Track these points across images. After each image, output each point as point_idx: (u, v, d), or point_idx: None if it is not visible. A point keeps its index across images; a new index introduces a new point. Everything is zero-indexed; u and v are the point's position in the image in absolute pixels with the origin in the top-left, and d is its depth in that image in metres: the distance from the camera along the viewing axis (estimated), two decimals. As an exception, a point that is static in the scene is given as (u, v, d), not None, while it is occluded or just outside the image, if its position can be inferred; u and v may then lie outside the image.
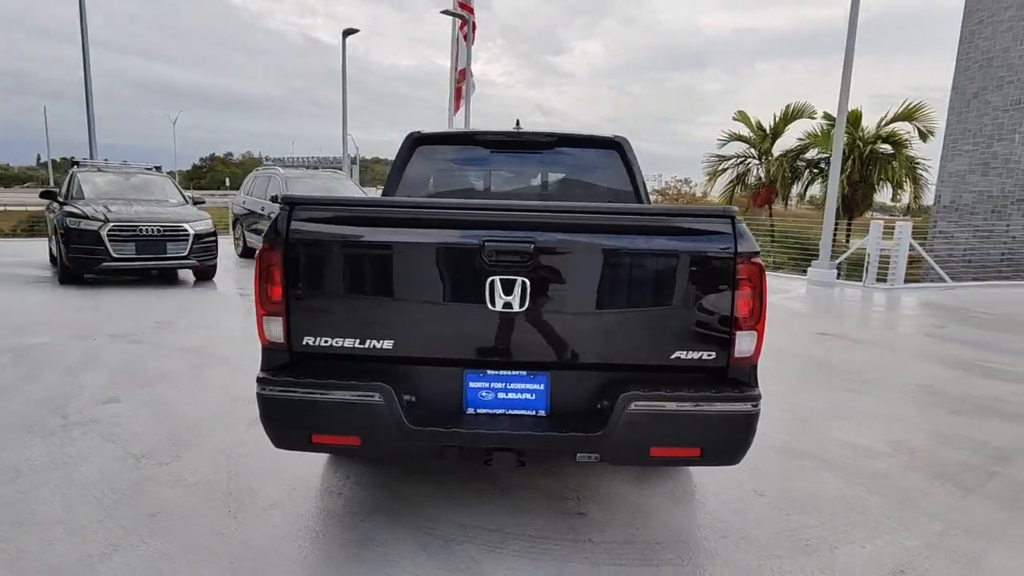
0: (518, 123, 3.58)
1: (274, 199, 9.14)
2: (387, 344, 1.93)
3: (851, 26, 10.29)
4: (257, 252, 1.99)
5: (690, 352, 1.91)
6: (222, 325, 5.80)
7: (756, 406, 1.88)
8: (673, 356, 1.91)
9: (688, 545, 2.22)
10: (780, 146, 15.16)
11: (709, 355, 1.90)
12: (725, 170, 15.82)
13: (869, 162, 13.88)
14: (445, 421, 1.91)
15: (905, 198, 14.40)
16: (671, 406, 1.85)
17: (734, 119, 16.24)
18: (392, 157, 3.57)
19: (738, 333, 1.88)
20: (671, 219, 1.97)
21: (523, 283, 1.87)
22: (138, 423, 3.27)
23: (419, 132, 3.42)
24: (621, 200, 3.41)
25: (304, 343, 1.95)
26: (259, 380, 1.95)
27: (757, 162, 15.78)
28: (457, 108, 13.36)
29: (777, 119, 15.36)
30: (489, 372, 1.97)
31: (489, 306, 1.88)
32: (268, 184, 9.83)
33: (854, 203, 14.45)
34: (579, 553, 2.14)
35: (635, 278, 1.92)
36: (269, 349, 1.98)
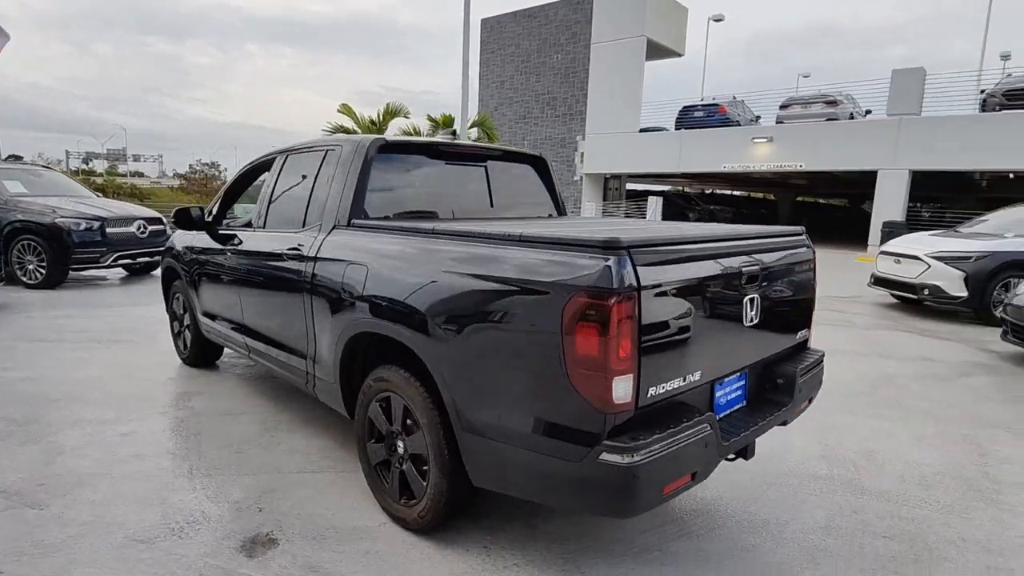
0: (455, 134, 3.43)
1: None
2: (697, 375, 2.01)
3: (465, 37, 12.19)
4: (592, 305, 1.71)
5: (801, 333, 2.70)
6: None
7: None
8: (798, 336, 2.67)
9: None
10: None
11: (804, 334, 2.74)
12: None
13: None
14: (729, 431, 2.14)
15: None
16: (816, 371, 2.62)
17: (338, 111, 16.64)
18: None
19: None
20: (790, 237, 2.67)
21: (756, 299, 2.27)
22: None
23: (383, 139, 2.95)
24: (544, 207, 3.79)
25: (649, 395, 1.83)
26: (615, 449, 1.72)
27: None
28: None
29: (380, 115, 16.59)
30: (725, 379, 2.28)
31: (743, 323, 2.21)
32: None
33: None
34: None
35: (786, 282, 2.56)
36: (615, 412, 1.75)
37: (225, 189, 4.18)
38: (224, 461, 3.07)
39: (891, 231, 13.83)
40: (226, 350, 4.85)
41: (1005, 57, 33.62)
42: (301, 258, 2.95)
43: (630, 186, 24.47)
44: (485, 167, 3.50)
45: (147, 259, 9.03)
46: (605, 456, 1.75)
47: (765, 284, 2.34)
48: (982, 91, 16.76)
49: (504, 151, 3.62)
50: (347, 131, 16.59)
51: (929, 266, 7.79)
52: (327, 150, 3.16)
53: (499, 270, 1.97)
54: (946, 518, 2.72)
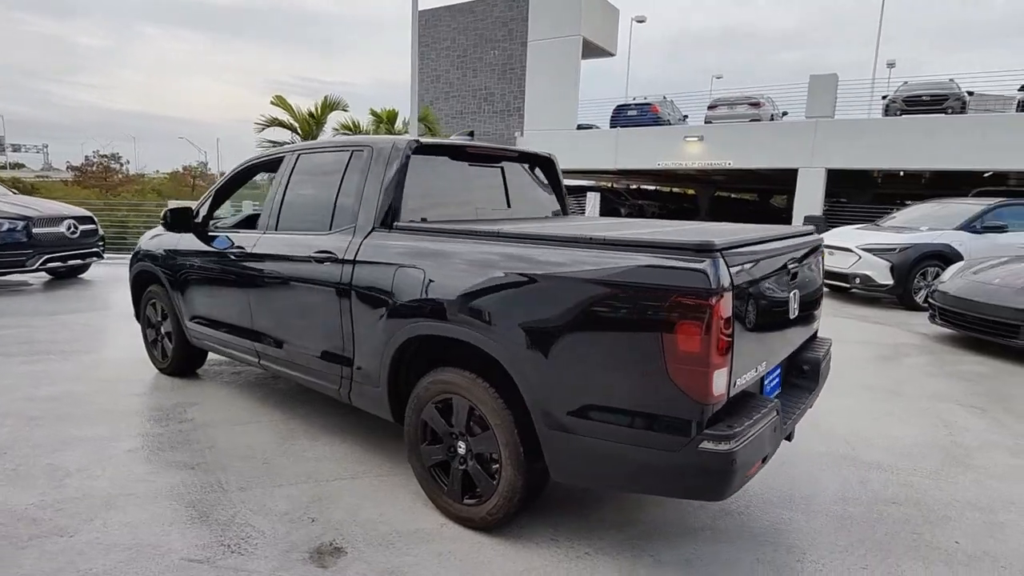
0: (472, 135, 3.45)
1: None
2: (763, 365, 2.19)
3: (413, 29, 12.01)
4: (694, 304, 1.83)
5: (817, 323, 2.96)
6: None
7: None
8: (815, 326, 2.93)
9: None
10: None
11: (817, 324, 3.01)
12: (279, 156, 15.33)
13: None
14: (783, 416, 2.34)
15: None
16: (830, 358, 2.90)
17: (272, 103, 15.87)
18: None
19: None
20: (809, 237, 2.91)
21: (797, 293, 2.48)
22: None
23: (418, 140, 2.94)
24: (551, 206, 3.89)
25: (736, 386, 1.98)
26: (714, 438, 1.86)
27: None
28: None
29: (319, 109, 15.96)
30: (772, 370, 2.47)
31: (790, 315, 2.42)
32: None
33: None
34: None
35: (812, 277, 2.79)
36: (712, 404, 1.89)
37: (216, 188, 3.97)
38: (253, 473, 2.96)
39: (813, 224, 14.98)
40: (211, 356, 4.62)
41: (891, 65, 36.92)
42: (334, 261, 2.89)
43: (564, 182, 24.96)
44: (502, 168, 3.55)
45: (79, 261, 8.33)
46: (705, 444, 1.88)
47: (801, 279, 2.55)
48: (884, 96, 18.42)
49: (519, 152, 3.67)
50: (283, 124, 15.94)
51: (860, 257, 8.56)
52: (352, 151, 3.09)
53: (587, 273, 2.05)
54: (936, 483, 3.07)
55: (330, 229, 3.04)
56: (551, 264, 2.16)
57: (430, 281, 2.47)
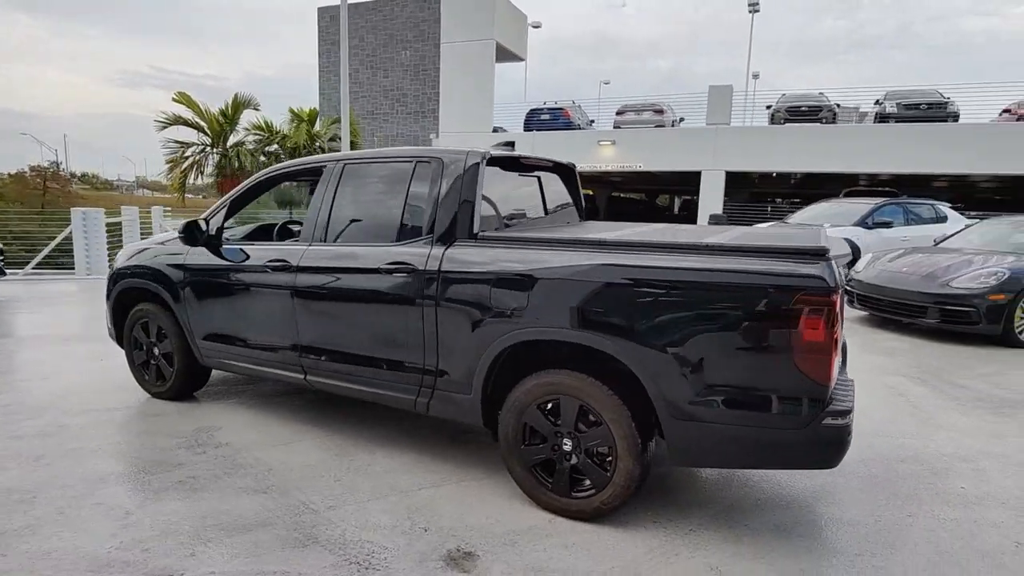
0: (512, 145, 3.58)
1: None
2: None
3: (343, 20, 11.66)
4: (820, 301, 2.14)
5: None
6: None
7: None
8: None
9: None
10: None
11: None
12: (187, 158, 14.08)
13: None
14: None
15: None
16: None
17: (174, 100, 14.56)
18: None
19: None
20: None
21: (843, 288, 2.90)
22: None
23: (490, 153, 3.05)
24: (573, 212, 4.11)
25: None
26: (835, 414, 2.19)
27: (217, 151, 14.77)
28: None
29: (229, 107, 14.85)
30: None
31: (842, 307, 2.82)
32: None
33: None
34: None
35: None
36: (831, 385, 2.21)
37: (232, 198, 3.76)
38: (331, 491, 2.90)
39: (717, 222, 16.38)
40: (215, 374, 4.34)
41: (756, 76, 40.89)
42: (412, 272, 2.90)
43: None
44: (539, 177, 3.70)
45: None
46: (828, 421, 2.19)
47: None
48: (768, 106, 20.51)
49: (553, 162, 3.83)
50: (187, 123, 14.75)
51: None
52: (416, 162, 3.11)
53: (713, 277, 2.29)
54: (923, 443, 3.66)
55: (397, 240, 3.05)
56: (669, 270, 2.37)
57: (537, 289, 2.59)
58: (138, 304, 4.09)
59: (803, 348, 2.17)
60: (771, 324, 2.22)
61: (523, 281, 2.64)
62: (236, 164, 14.94)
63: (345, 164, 3.36)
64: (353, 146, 16.44)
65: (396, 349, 3.02)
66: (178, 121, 14.85)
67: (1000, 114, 18.22)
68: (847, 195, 15.11)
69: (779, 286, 2.20)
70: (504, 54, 22.62)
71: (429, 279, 2.87)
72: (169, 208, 12.43)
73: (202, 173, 14.89)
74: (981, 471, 3.27)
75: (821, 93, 20.05)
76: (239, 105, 15.23)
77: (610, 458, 2.55)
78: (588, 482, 2.62)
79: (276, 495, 2.85)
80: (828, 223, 10.23)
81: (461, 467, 3.19)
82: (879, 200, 10.79)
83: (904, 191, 16.67)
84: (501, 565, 2.34)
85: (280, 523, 2.61)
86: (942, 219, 10.83)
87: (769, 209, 20.82)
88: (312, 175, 3.51)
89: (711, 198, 18.45)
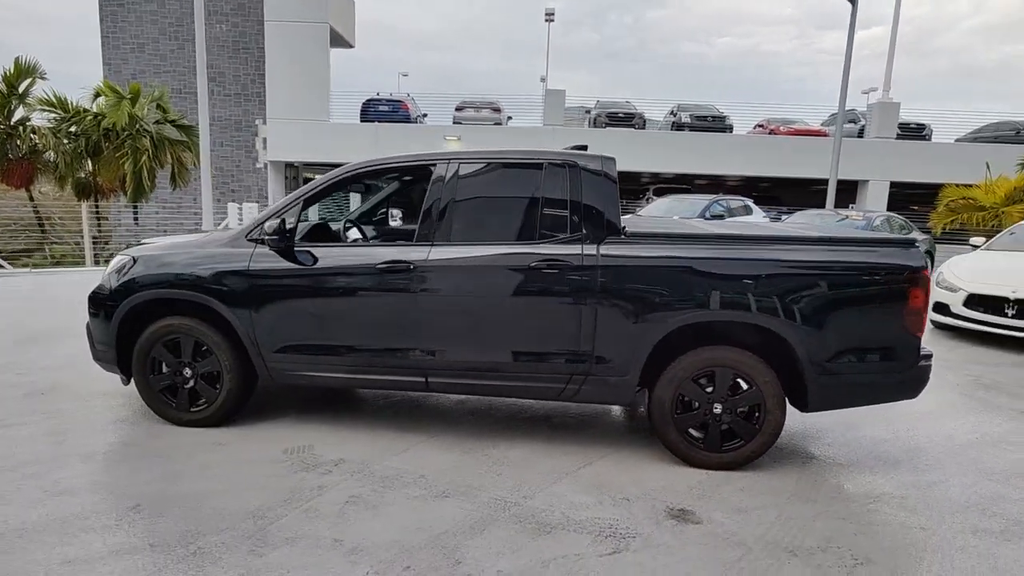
0: (586, 147, 3.90)
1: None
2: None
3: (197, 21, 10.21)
4: (920, 277, 2.98)
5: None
6: None
7: None
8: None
9: None
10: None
11: None
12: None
13: (161, 144, 13.19)
14: None
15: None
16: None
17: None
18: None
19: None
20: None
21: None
22: None
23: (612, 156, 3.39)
24: None
25: None
26: (926, 358, 3.07)
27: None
28: None
29: (11, 73, 11.59)
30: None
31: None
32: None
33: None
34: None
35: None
36: (922, 338, 3.08)
37: (305, 196, 3.43)
38: (505, 484, 2.99)
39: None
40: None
41: (543, 80, 44.64)
42: (567, 268, 3.10)
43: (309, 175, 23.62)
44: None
45: None
46: (923, 363, 3.05)
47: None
48: (587, 111, 22.87)
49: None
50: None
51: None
52: (546, 164, 3.27)
53: (848, 262, 2.99)
54: (911, 424, 4.29)
55: (537, 239, 3.20)
56: (811, 262, 3.03)
57: (705, 280, 3.04)
58: (159, 320, 3.48)
59: (910, 311, 3.00)
60: (888, 297, 3.00)
61: (687, 272, 3.06)
62: (27, 146, 11.78)
63: (459, 164, 3.36)
64: (186, 130, 14.27)
65: (546, 341, 3.19)
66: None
67: (754, 127, 22.96)
68: (656, 193, 17.82)
69: (897, 266, 2.99)
70: (336, 40, 21.47)
71: (587, 275, 3.11)
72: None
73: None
74: (958, 445, 4.57)
75: (628, 101, 23.00)
76: (24, 71, 12.07)
77: (757, 415, 3.12)
78: (738, 438, 3.16)
79: (461, 498, 2.85)
80: (677, 215, 12.11)
81: (598, 445, 3.48)
82: (710, 196, 13.06)
83: (696, 189, 20.29)
84: (717, 512, 2.77)
85: (500, 520, 2.66)
86: (750, 212, 13.54)
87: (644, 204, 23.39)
88: (411, 174, 3.42)
89: (550, 193, 20.05)
